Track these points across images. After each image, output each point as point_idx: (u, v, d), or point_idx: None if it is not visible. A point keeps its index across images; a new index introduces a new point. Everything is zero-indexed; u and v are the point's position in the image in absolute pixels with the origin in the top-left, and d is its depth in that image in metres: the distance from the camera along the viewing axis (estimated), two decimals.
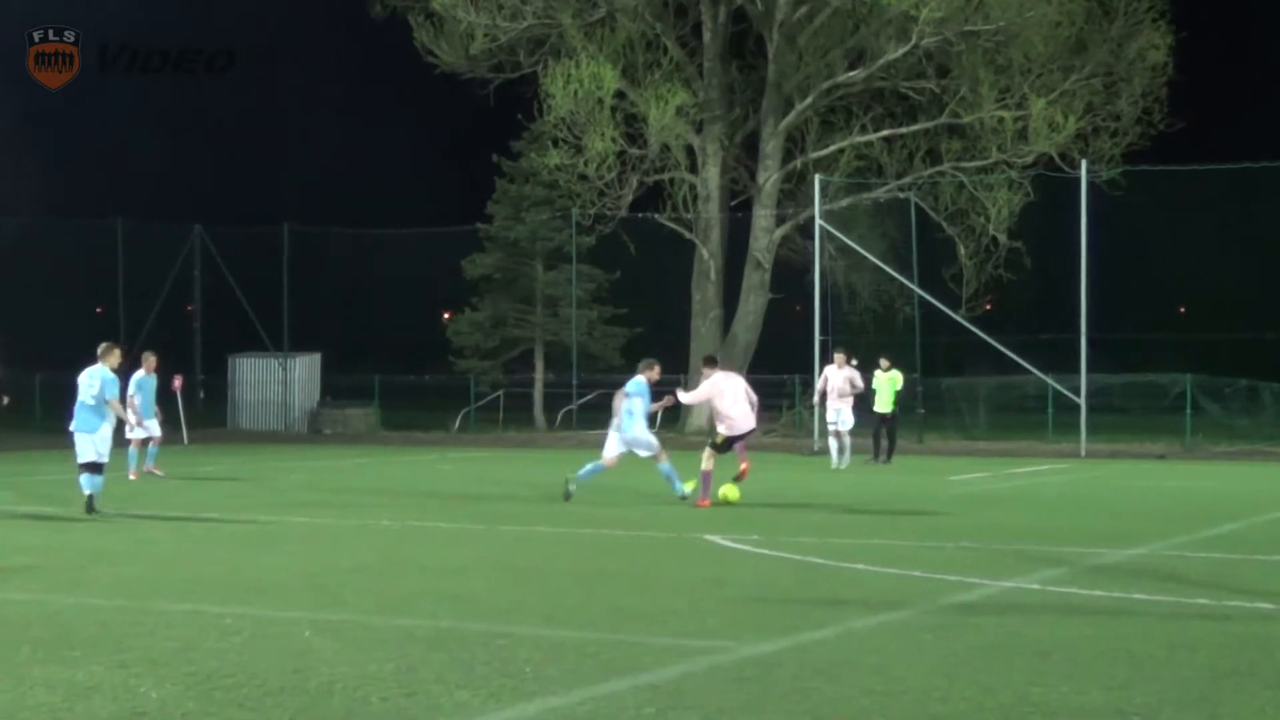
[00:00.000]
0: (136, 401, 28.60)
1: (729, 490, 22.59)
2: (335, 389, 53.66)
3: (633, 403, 23.06)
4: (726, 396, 22.92)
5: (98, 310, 63.74)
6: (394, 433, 49.24)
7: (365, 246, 58.12)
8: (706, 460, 22.69)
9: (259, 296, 55.37)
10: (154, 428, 29.17)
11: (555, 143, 46.23)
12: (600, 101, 45.25)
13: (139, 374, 29.13)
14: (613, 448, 23.36)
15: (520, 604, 13.12)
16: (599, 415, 47.15)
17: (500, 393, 52.21)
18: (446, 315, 56.69)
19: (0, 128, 70.18)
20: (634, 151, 46.78)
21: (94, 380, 21.27)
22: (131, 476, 27.91)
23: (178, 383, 43.10)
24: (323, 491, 26.39)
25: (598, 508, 22.16)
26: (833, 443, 33.16)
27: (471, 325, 53.00)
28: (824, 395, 33.15)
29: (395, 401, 52.32)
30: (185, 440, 42.50)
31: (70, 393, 21.94)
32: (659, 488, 23.22)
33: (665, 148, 46.85)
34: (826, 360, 41.15)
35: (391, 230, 58.38)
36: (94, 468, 21.29)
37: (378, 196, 73.40)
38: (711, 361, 24.38)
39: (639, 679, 9.78)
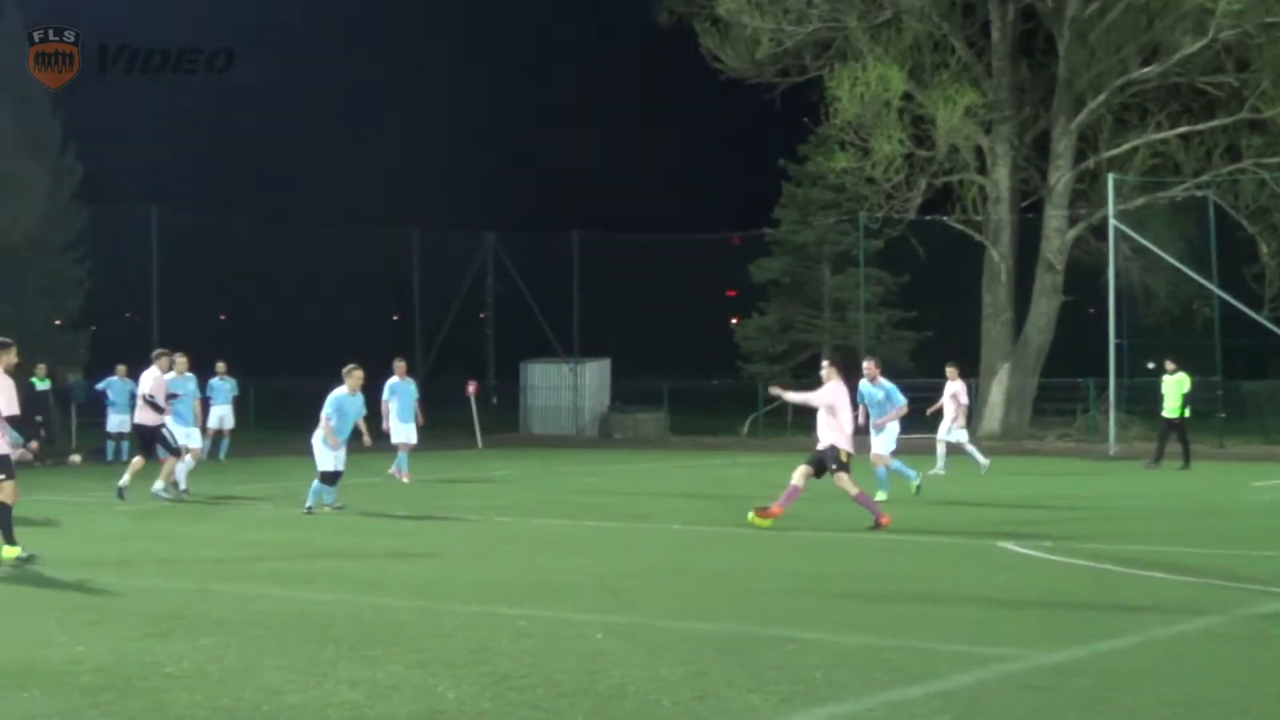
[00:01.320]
0: (392, 406, 29.14)
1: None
2: (625, 394, 54.15)
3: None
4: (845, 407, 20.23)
5: (395, 317, 65.42)
6: (682, 437, 49.50)
7: (654, 252, 58.58)
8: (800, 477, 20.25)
9: (550, 303, 56.23)
10: (408, 434, 29.43)
11: (842, 146, 46.01)
12: (887, 104, 44.90)
13: (392, 380, 29.60)
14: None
15: (810, 608, 13.10)
16: None
17: None
18: (734, 320, 56.85)
19: (302, 142, 72.53)
20: (922, 153, 46.33)
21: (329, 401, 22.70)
22: (402, 479, 28.55)
23: (472, 388, 44.19)
24: (613, 495, 26.67)
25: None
26: (940, 452, 31.15)
27: (759, 330, 53.13)
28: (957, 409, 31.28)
29: (684, 406, 52.56)
30: (479, 444, 43.42)
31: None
32: (951, 492, 22.91)
33: (954, 149, 46.31)
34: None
35: (679, 235, 58.82)
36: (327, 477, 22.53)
37: (665, 202, 73.94)
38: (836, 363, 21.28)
39: (931, 686, 9.68)
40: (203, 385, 37.33)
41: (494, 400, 54.94)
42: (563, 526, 20.85)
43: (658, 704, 9.24)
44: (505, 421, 52.84)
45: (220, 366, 37.15)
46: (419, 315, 56.98)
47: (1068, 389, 46.32)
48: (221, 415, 37.00)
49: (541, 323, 55.81)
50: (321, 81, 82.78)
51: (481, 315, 58.84)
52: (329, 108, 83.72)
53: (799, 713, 9.01)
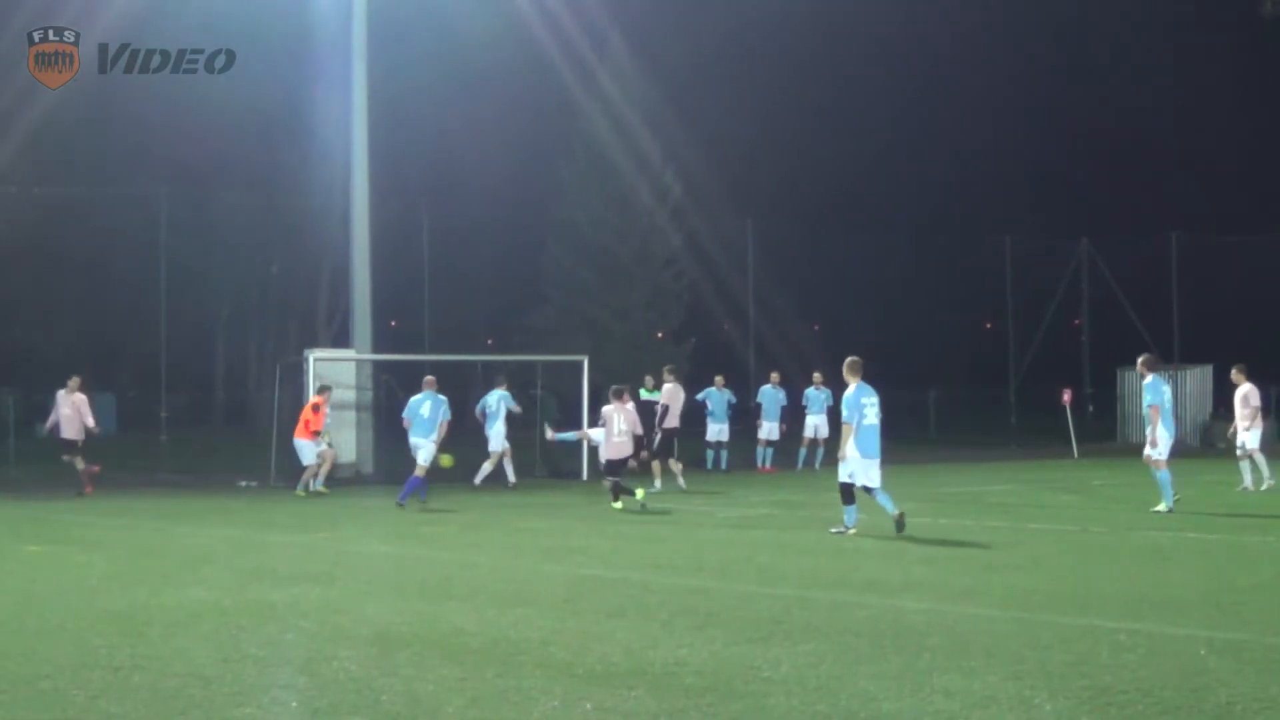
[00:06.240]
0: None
1: None
2: (1227, 402, 52.11)
3: None
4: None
5: (987, 325, 65.02)
6: None
7: (1258, 253, 56.26)
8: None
9: (1147, 308, 54.79)
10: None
11: None
12: None
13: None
14: None
15: None
16: None
17: None
18: None
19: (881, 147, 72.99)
20: None
21: None
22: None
23: (1067, 396, 43.53)
24: (1219, 507, 25.77)
25: None
26: (1259, 460, 29.77)
27: None
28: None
29: None
30: (1075, 454, 42.70)
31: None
32: None
33: None
34: None
35: None
36: None
37: (1272, 201, 70.78)
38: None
39: None
40: (797, 396, 38.41)
41: (1090, 408, 53.88)
42: (1163, 539, 20.22)
43: None
44: (1102, 430, 51.70)
45: (816, 377, 37.86)
46: (1011, 323, 56.45)
47: None
48: (816, 424, 37.87)
49: (1139, 329, 54.40)
50: (901, 94, 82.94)
51: (1076, 322, 57.85)
52: (897, 115, 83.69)
53: None
